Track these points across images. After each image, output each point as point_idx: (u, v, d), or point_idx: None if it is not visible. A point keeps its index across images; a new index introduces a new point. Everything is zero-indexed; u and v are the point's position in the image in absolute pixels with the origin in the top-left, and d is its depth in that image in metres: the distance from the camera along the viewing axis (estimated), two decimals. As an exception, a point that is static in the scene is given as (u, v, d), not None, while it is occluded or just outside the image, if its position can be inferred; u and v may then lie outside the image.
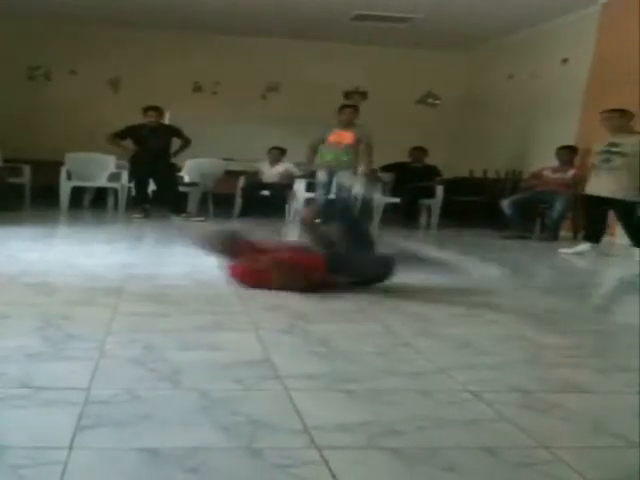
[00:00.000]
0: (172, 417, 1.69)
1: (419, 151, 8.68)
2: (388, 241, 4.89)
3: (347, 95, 10.25)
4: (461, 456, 1.56)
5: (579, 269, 5.47)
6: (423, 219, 8.48)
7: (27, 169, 8.24)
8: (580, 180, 6.65)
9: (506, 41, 9.36)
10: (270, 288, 3.36)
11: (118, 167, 8.22)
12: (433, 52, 10.15)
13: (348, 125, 7.33)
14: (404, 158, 8.68)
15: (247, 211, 8.11)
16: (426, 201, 8.42)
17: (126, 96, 9.50)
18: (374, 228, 7.49)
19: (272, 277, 3.37)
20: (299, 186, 8.19)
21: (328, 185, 7.52)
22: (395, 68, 10.05)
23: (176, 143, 7.75)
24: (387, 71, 10.05)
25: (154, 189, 7.83)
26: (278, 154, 8.51)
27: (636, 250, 5.71)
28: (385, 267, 3.59)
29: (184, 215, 7.67)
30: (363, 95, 10.32)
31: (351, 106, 7.60)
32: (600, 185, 5.77)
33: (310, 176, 7.84)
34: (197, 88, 10.12)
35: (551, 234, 7.06)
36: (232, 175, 8.44)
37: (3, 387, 1.85)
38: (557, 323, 3.12)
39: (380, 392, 1.97)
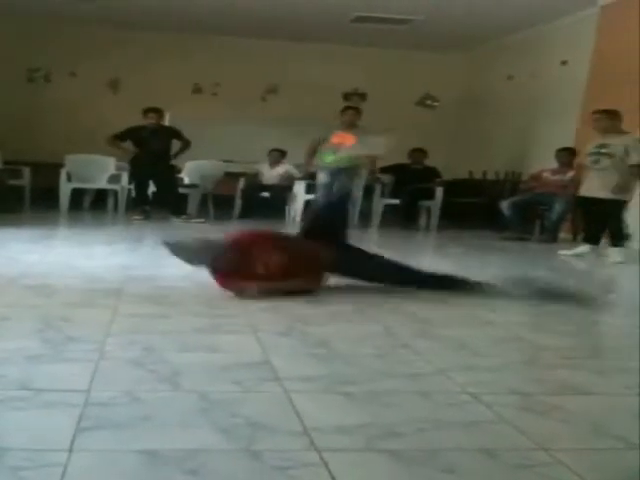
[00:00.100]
0: (172, 419, 1.70)
1: (419, 152, 8.69)
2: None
3: (346, 97, 10.26)
4: (460, 458, 1.56)
5: (578, 270, 5.47)
6: (423, 220, 8.49)
7: (27, 171, 8.23)
8: (579, 182, 6.66)
9: (505, 42, 9.37)
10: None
11: (118, 169, 8.23)
12: (432, 53, 10.16)
13: (350, 127, 7.34)
14: (403, 159, 8.68)
15: (247, 213, 8.11)
16: (426, 202, 8.42)
17: (126, 97, 9.50)
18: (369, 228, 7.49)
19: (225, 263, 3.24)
20: (299, 188, 8.19)
21: (329, 186, 7.52)
22: (394, 69, 10.06)
23: (176, 145, 7.75)
24: (386, 73, 10.05)
25: (154, 191, 7.83)
26: (278, 156, 8.52)
27: (614, 250, 5.73)
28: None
29: (184, 217, 7.67)
30: (362, 97, 10.33)
31: (353, 108, 7.60)
32: (591, 186, 5.79)
33: (310, 178, 7.84)
34: (197, 89, 10.13)
35: (550, 236, 7.07)
36: (232, 177, 8.44)
37: (3, 389, 1.85)
38: (556, 325, 3.12)
39: (379, 394, 1.97)
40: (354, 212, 7.64)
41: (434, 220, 8.35)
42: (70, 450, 1.48)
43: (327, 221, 3.85)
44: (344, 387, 2.01)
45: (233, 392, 1.93)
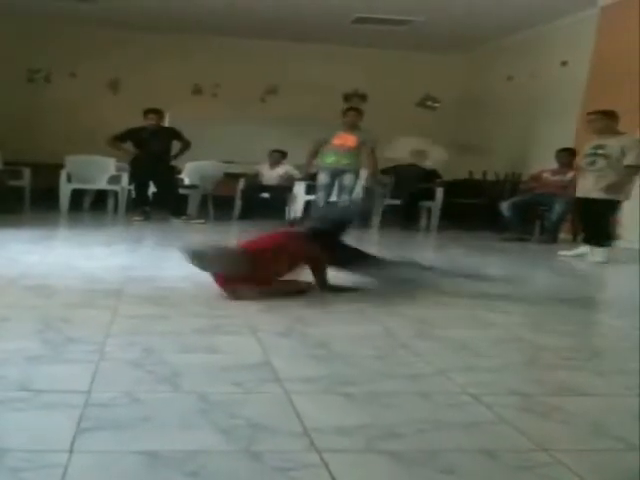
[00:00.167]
0: (172, 420, 1.69)
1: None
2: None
3: (347, 97, 10.27)
4: (460, 459, 1.56)
5: (578, 271, 5.47)
6: (423, 221, 8.49)
7: (27, 172, 8.24)
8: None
9: (505, 43, 9.38)
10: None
11: (118, 170, 8.24)
12: (432, 54, 10.17)
13: (352, 128, 7.34)
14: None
15: (247, 213, 8.11)
16: (426, 203, 8.43)
17: (126, 98, 9.51)
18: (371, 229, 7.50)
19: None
20: (299, 188, 8.19)
21: (329, 187, 7.53)
22: (395, 70, 10.07)
23: (176, 146, 7.75)
24: (387, 73, 10.06)
25: (154, 192, 7.83)
26: (279, 157, 8.52)
27: (597, 250, 5.73)
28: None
29: (184, 218, 7.67)
30: (363, 97, 10.34)
31: (355, 109, 7.60)
32: (586, 187, 5.78)
33: (310, 179, 7.85)
34: (197, 90, 10.14)
35: (550, 236, 7.07)
36: (232, 177, 8.45)
37: (3, 390, 1.85)
38: (556, 325, 3.12)
39: (379, 394, 1.97)
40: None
41: (434, 221, 8.35)
42: (70, 451, 1.48)
43: (336, 227, 3.93)
44: (344, 388, 2.01)
45: (233, 393, 1.92)
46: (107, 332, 2.51)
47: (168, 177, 7.74)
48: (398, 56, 10.07)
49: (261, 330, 2.67)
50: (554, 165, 7.33)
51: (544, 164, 7.64)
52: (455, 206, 8.63)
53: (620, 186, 5.61)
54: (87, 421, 1.65)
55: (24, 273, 3.75)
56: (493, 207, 7.77)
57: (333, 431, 1.67)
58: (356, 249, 3.89)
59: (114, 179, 8.28)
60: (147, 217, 7.58)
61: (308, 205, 7.97)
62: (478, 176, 9.36)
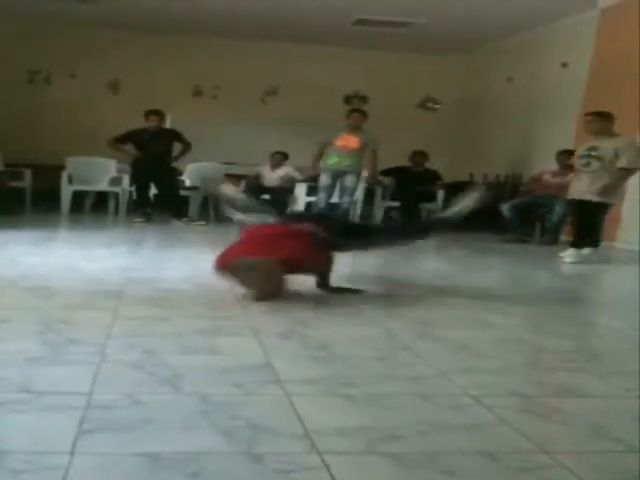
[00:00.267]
0: (172, 421, 1.70)
1: (420, 155, 8.70)
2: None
3: (347, 99, 10.28)
4: (461, 461, 1.56)
5: (578, 273, 5.46)
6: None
7: (28, 173, 8.25)
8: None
9: (505, 44, 9.38)
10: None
11: (119, 171, 8.24)
12: (433, 56, 10.18)
13: (355, 130, 7.35)
14: (404, 162, 8.69)
15: (248, 215, 8.10)
16: (426, 205, 8.43)
17: (126, 99, 9.53)
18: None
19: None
20: (300, 190, 8.20)
21: (331, 189, 7.53)
22: (395, 72, 10.08)
23: (177, 147, 7.76)
24: (387, 75, 10.07)
25: (155, 193, 7.84)
26: (280, 158, 8.52)
27: (572, 250, 5.72)
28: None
29: (185, 219, 7.68)
30: (363, 99, 10.35)
31: (359, 111, 7.60)
32: (580, 189, 5.76)
33: (311, 180, 7.86)
34: (197, 92, 10.15)
35: (551, 238, 7.07)
36: (233, 179, 8.44)
37: (3, 392, 1.85)
38: (556, 326, 3.12)
39: (380, 396, 1.97)
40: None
41: (435, 222, 8.34)
42: (71, 453, 1.48)
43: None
44: (345, 390, 2.01)
45: (234, 394, 1.93)
46: (108, 334, 2.51)
47: (169, 179, 7.74)
48: (398, 58, 10.08)
49: (262, 332, 2.67)
50: (554, 167, 7.33)
51: (544, 166, 7.65)
52: (455, 208, 8.62)
53: (613, 189, 5.60)
54: (88, 423, 1.65)
55: (25, 274, 3.76)
56: (494, 209, 7.76)
57: (334, 433, 1.67)
58: (360, 226, 3.90)
59: (115, 181, 8.29)
60: (148, 219, 7.58)
61: (309, 206, 7.97)
62: (479, 178, 9.36)
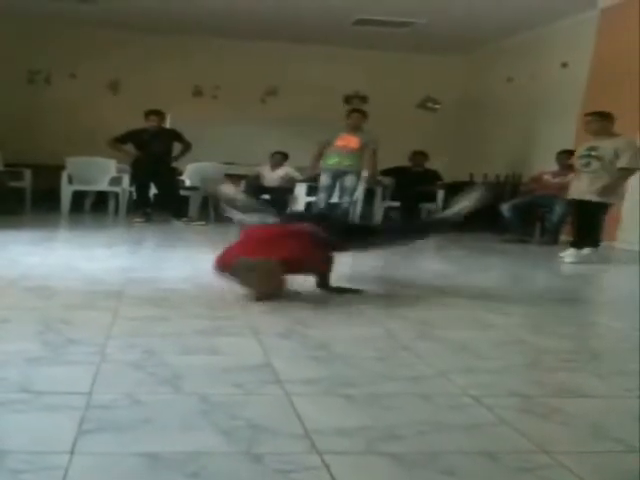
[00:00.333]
0: (172, 421, 1.70)
1: (420, 155, 8.70)
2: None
3: (347, 99, 10.28)
4: (461, 461, 1.56)
5: (578, 273, 5.47)
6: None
7: (28, 173, 8.26)
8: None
9: (505, 44, 9.38)
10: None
11: (119, 171, 8.25)
12: (433, 56, 10.18)
13: (355, 130, 7.35)
14: (404, 162, 8.69)
15: (248, 215, 8.10)
16: (426, 205, 8.43)
17: (126, 99, 9.53)
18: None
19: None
20: (300, 190, 8.20)
21: (331, 189, 7.53)
22: (395, 72, 10.08)
23: (177, 147, 7.76)
24: (387, 75, 10.07)
25: (155, 193, 7.84)
26: (280, 158, 8.53)
27: (572, 251, 5.72)
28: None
29: (185, 219, 7.68)
30: (363, 99, 10.35)
31: (359, 111, 7.60)
32: (579, 189, 5.76)
33: (311, 180, 7.86)
34: (197, 92, 10.15)
35: (551, 238, 7.07)
36: (233, 179, 8.44)
37: (3, 392, 1.85)
38: (556, 326, 3.12)
39: (380, 396, 1.97)
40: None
41: (435, 222, 8.34)
42: (71, 453, 1.48)
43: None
44: (345, 389, 2.01)
45: (234, 394, 1.93)
46: (108, 334, 2.51)
47: (169, 179, 7.75)
48: (399, 58, 10.08)
49: (262, 331, 2.67)
50: (554, 167, 7.33)
51: (544, 166, 7.65)
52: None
53: (613, 189, 5.59)
54: (88, 423, 1.65)
55: (25, 274, 3.76)
56: (494, 209, 7.76)
57: (334, 433, 1.67)
58: (360, 226, 3.91)
59: (115, 181, 8.29)
60: (148, 219, 7.58)
61: (309, 206, 7.97)
62: (479, 178, 9.36)
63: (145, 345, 2.38)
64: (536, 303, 3.77)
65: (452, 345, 2.63)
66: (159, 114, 7.68)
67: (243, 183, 8.42)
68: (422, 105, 10.49)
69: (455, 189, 8.78)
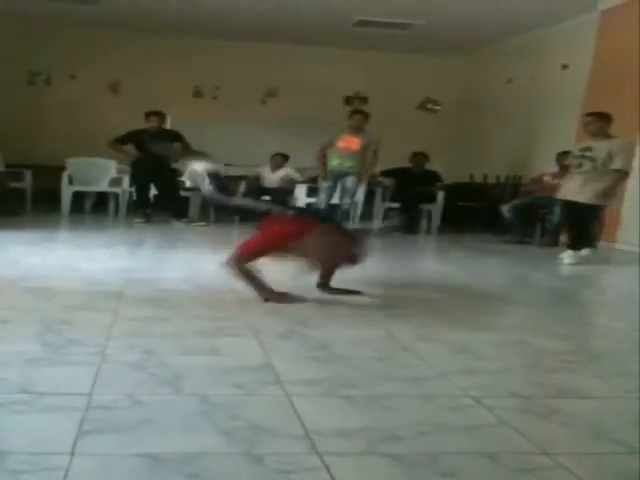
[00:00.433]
0: (173, 422, 1.70)
1: (420, 156, 8.69)
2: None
3: (348, 100, 10.28)
4: (461, 461, 1.56)
5: (578, 274, 5.47)
6: (423, 224, 8.50)
7: (28, 174, 8.26)
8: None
9: (505, 46, 9.39)
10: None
11: (119, 172, 8.25)
12: (433, 57, 10.19)
13: (357, 131, 7.35)
14: (404, 163, 8.68)
15: (248, 216, 8.09)
16: (426, 206, 8.43)
17: (126, 100, 9.53)
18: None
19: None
20: (300, 191, 8.20)
21: (331, 190, 7.53)
22: (395, 73, 10.08)
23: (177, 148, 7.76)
24: (387, 76, 10.08)
25: (155, 194, 7.84)
26: (281, 160, 8.53)
27: (570, 252, 5.71)
28: None
29: (185, 220, 7.68)
30: (364, 100, 10.35)
31: (361, 112, 7.60)
32: (571, 189, 5.75)
33: (312, 181, 7.86)
34: (197, 93, 10.15)
35: (551, 239, 7.07)
36: (233, 180, 8.44)
37: (4, 392, 1.85)
38: (556, 327, 3.12)
39: (380, 397, 1.97)
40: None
41: (435, 223, 8.35)
42: (71, 453, 1.48)
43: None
44: (345, 390, 2.01)
45: (234, 395, 1.93)
46: (108, 334, 2.51)
47: (169, 179, 7.74)
48: (399, 59, 10.08)
49: (262, 332, 2.67)
50: (555, 168, 7.34)
51: (545, 167, 7.65)
52: (456, 209, 8.64)
53: (606, 192, 5.58)
54: (88, 423, 1.65)
55: (25, 275, 3.76)
56: (494, 210, 7.77)
57: (334, 434, 1.67)
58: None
59: (115, 181, 8.29)
60: (148, 219, 7.59)
61: (309, 207, 7.96)
62: (479, 179, 9.37)
63: (145, 346, 2.38)
64: (536, 304, 3.78)
65: (452, 346, 2.63)
66: (159, 115, 7.69)
67: (243, 184, 8.43)
68: (422, 106, 10.49)
69: (455, 190, 8.87)
